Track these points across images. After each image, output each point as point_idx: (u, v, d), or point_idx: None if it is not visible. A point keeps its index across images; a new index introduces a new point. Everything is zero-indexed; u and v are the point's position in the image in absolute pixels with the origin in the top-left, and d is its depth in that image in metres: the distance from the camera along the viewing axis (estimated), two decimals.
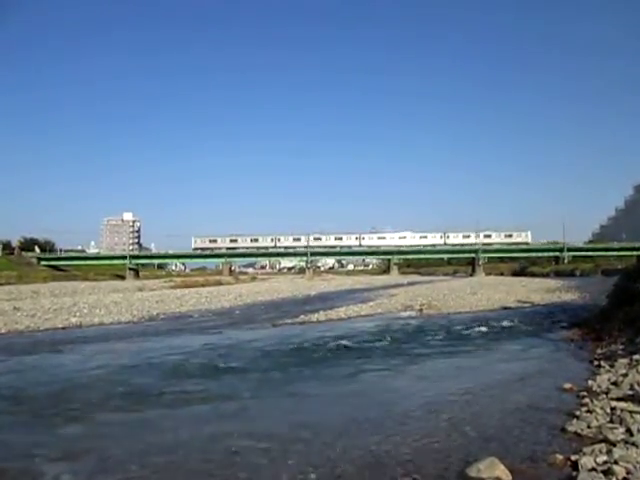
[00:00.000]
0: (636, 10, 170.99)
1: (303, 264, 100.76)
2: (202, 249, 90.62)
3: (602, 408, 5.75)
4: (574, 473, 4.15)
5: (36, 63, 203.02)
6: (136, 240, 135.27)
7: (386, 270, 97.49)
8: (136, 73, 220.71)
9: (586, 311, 16.65)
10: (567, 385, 7.23)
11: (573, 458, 4.42)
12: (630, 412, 5.43)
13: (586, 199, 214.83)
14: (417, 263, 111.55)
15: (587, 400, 6.22)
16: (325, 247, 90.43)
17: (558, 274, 68.93)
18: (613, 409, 5.66)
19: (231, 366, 9.72)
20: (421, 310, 20.32)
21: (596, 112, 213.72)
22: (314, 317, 18.47)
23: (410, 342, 12.30)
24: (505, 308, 20.97)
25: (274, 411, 6.76)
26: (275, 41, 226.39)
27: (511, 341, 12.32)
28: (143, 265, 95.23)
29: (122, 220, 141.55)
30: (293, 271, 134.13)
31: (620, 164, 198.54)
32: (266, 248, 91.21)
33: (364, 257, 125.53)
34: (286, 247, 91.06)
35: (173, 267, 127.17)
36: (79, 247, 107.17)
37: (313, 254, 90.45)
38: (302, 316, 18.69)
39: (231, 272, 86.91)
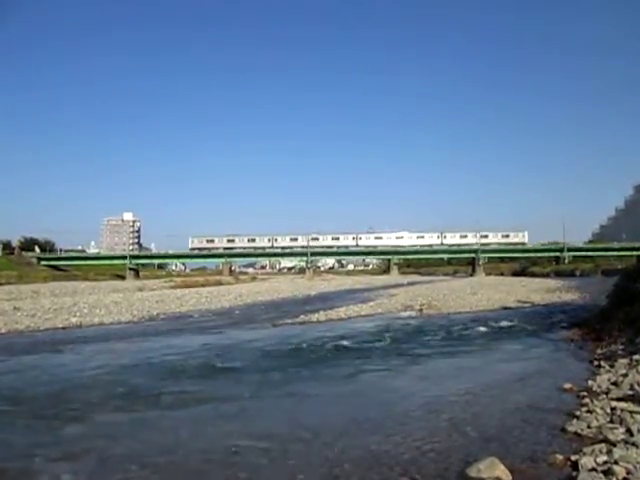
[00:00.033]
0: (636, 10, 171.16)
1: (303, 264, 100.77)
2: (199, 249, 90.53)
3: (602, 408, 5.75)
4: (574, 473, 4.15)
5: (36, 63, 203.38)
6: (136, 240, 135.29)
7: (386, 270, 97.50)
8: (136, 73, 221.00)
9: (586, 311, 16.65)
10: (567, 385, 7.23)
11: (573, 458, 4.42)
12: (630, 412, 5.43)
13: (586, 199, 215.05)
14: (417, 263, 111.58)
15: (587, 400, 6.22)
16: (323, 247, 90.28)
17: (558, 274, 68.93)
18: (613, 409, 5.66)
19: (231, 366, 9.72)
20: (421, 310, 20.32)
21: (596, 112, 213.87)
22: (314, 317, 18.47)
23: (410, 342, 12.30)
24: (505, 308, 20.97)
25: (274, 411, 6.76)
26: (275, 41, 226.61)
27: (511, 341, 12.32)
28: (143, 265, 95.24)
29: (122, 220, 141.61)
30: (293, 271, 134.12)
31: (620, 164, 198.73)
32: (263, 248, 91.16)
33: (364, 257, 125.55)
34: (283, 247, 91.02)
35: (173, 267, 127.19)
36: (79, 247, 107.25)
37: (313, 254, 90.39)
38: (302, 316, 18.69)
39: (231, 272, 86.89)
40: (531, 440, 5.17)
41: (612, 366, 7.91)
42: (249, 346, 12.28)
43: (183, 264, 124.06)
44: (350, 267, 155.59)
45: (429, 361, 10.10)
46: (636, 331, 9.80)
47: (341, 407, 6.95)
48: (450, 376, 8.72)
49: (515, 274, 76.67)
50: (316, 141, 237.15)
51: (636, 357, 7.91)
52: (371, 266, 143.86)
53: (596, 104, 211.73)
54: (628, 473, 3.97)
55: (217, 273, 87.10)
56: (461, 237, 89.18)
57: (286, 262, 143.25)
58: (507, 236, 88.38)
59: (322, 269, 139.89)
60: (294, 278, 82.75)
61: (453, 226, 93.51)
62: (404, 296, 28.89)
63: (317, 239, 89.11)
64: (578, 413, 5.75)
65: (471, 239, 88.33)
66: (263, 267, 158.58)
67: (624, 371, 7.38)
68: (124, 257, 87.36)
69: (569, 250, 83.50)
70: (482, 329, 14.34)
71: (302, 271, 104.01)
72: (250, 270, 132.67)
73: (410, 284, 49.81)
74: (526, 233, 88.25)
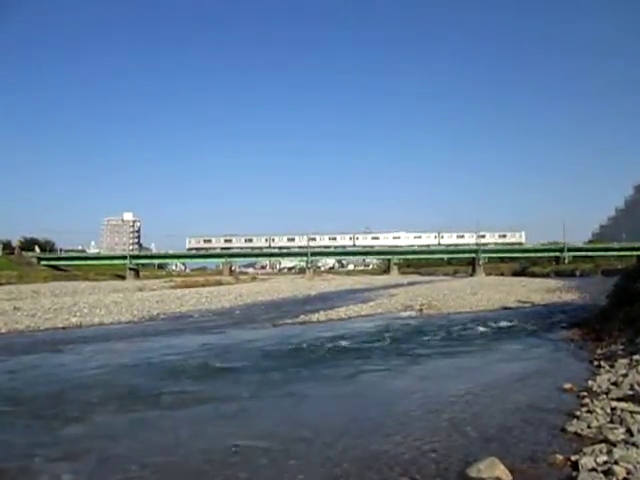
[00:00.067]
0: (636, 10, 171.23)
1: (303, 264, 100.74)
2: (197, 249, 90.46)
3: (602, 408, 5.75)
4: (574, 473, 4.15)
5: (36, 63, 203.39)
6: (136, 240, 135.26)
7: (386, 270, 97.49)
8: (136, 73, 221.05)
9: (586, 311, 16.66)
10: (567, 385, 7.23)
11: (573, 458, 4.42)
12: (630, 412, 5.43)
13: (586, 199, 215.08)
14: (417, 263, 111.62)
15: (587, 400, 6.22)
16: (320, 247, 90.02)
17: (558, 274, 68.94)
18: (613, 409, 5.66)
19: (231, 366, 9.72)
20: (421, 310, 20.32)
21: (596, 112, 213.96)
22: (314, 317, 18.47)
23: (410, 342, 12.30)
24: (505, 308, 20.97)
25: (274, 411, 6.76)
26: (275, 41, 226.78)
27: (511, 341, 12.32)
28: (143, 265, 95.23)
29: (122, 220, 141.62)
30: (293, 271, 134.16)
31: (620, 164, 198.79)
32: (260, 248, 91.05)
33: (364, 257, 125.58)
34: (280, 247, 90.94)
35: (173, 267, 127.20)
36: (79, 247, 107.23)
37: (312, 254, 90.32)
38: (302, 316, 18.69)
39: (231, 272, 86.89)
40: (531, 440, 5.17)
41: (612, 366, 7.90)
42: (249, 346, 12.28)
43: (183, 264, 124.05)
44: (350, 267, 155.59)
45: (429, 361, 10.10)
46: (636, 331, 9.80)
47: (341, 407, 6.95)
48: (450, 376, 8.72)
49: (515, 274, 76.68)
50: (316, 141, 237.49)
51: (636, 357, 7.91)
52: (371, 266, 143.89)
53: (596, 104, 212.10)
54: (628, 473, 3.97)
55: (217, 273, 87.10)
56: (458, 237, 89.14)
57: (286, 262, 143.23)
58: (504, 236, 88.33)
59: (322, 269, 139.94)
60: (294, 278, 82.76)
61: (454, 226, 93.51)
62: (404, 296, 28.89)
63: (314, 239, 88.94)
64: (578, 413, 5.75)
65: (468, 239, 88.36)
66: (263, 267, 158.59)
67: (624, 371, 7.38)
68: (124, 257, 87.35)
69: (569, 250, 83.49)
70: (482, 329, 14.35)
71: (302, 271, 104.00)
72: (250, 270, 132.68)
73: (410, 284, 49.82)
74: (523, 233, 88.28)
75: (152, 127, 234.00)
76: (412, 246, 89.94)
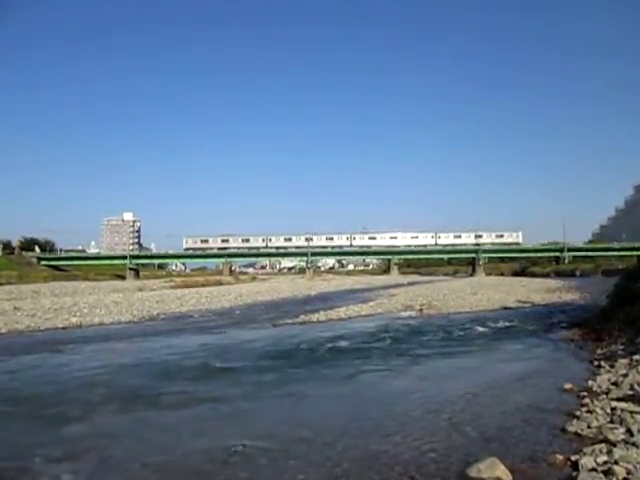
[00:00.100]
0: (636, 10, 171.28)
1: (303, 264, 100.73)
2: (194, 249, 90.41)
3: (602, 408, 5.75)
4: (574, 473, 4.15)
5: (36, 63, 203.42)
6: (136, 240, 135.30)
7: (386, 270, 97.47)
8: (136, 73, 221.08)
9: (586, 311, 16.65)
10: (567, 385, 7.23)
11: (573, 458, 4.43)
12: (630, 412, 5.43)
13: (586, 199, 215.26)
14: (417, 263, 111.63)
15: (587, 400, 6.22)
16: (319, 247, 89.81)
17: (558, 274, 68.93)
18: (613, 409, 5.66)
19: (231, 366, 9.72)
20: (421, 310, 20.32)
21: (596, 112, 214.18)
22: (314, 317, 18.47)
23: (410, 342, 12.30)
24: (505, 308, 20.97)
25: (274, 411, 6.77)
26: (275, 41, 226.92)
27: (511, 341, 12.31)
28: (143, 265, 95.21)
29: (122, 220, 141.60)
30: (293, 271, 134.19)
31: (620, 164, 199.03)
32: (258, 248, 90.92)
33: (364, 257, 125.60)
34: (278, 247, 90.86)
35: (173, 267, 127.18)
36: (79, 247, 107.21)
37: (313, 254, 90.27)
38: (302, 316, 18.69)
39: (231, 272, 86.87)
40: (531, 440, 5.18)
41: (612, 366, 7.90)
42: (249, 346, 12.28)
43: (183, 264, 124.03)
44: (350, 267, 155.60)
45: (429, 361, 10.10)
46: (636, 331, 9.80)
47: (341, 407, 6.95)
48: (450, 376, 8.72)
49: (515, 274, 76.67)
50: (316, 141, 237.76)
51: (636, 357, 7.91)
52: (371, 266, 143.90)
53: (596, 104, 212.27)
54: (628, 473, 3.98)
55: (217, 273, 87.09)
56: (455, 237, 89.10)
57: (286, 262, 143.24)
58: (501, 236, 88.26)
59: (322, 269, 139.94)
60: (294, 278, 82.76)
61: (454, 226, 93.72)
62: (404, 296, 28.89)
63: (311, 239, 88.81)
64: (578, 413, 5.75)
65: (465, 239, 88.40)
66: (263, 267, 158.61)
67: (624, 371, 7.38)
68: (124, 257, 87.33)
69: (569, 250, 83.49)
70: (482, 329, 14.35)
71: (302, 271, 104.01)
72: (250, 270, 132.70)
73: (410, 284, 49.82)
74: (520, 233, 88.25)
75: (152, 127, 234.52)
76: (409, 246, 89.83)
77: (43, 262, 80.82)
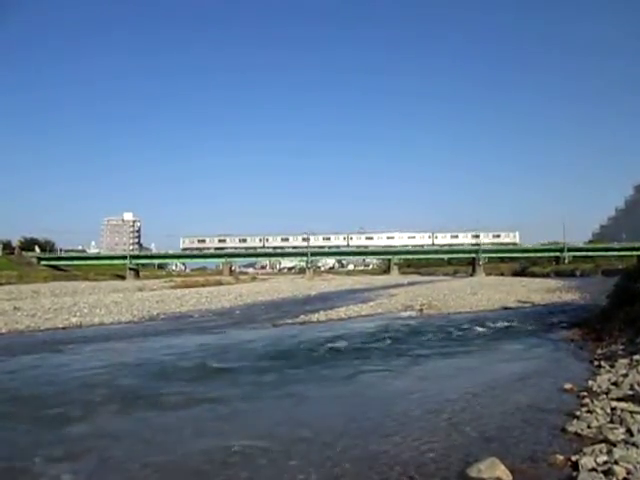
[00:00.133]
0: (636, 10, 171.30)
1: (303, 264, 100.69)
2: (191, 249, 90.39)
3: (602, 408, 5.75)
4: (574, 473, 4.15)
5: (36, 63, 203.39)
6: (136, 240, 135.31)
7: (386, 270, 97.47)
8: (136, 73, 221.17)
9: (586, 311, 16.65)
10: (567, 385, 7.23)
11: (573, 458, 4.43)
12: (630, 412, 5.43)
13: (586, 199, 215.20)
14: (417, 263, 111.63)
15: (587, 400, 6.22)
16: (316, 247, 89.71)
17: (558, 274, 68.92)
18: (613, 409, 5.66)
19: (231, 366, 9.72)
20: (421, 310, 20.32)
21: (596, 112, 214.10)
22: (314, 317, 18.47)
23: (410, 342, 12.30)
24: (505, 308, 20.97)
25: (274, 411, 6.76)
26: (275, 41, 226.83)
27: (511, 341, 12.31)
28: (143, 265, 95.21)
29: (122, 220, 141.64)
30: (293, 271, 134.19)
31: (620, 164, 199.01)
32: (254, 248, 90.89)
33: (363, 257, 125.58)
34: (275, 247, 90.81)
35: (173, 267, 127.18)
36: (79, 247, 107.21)
37: (312, 254, 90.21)
38: (302, 316, 18.69)
39: (231, 272, 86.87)
40: (531, 440, 5.18)
41: (612, 366, 7.90)
42: (249, 346, 12.28)
43: (183, 264, 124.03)
44: (350, 267, 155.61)
45: (429, 361, 10.10)
46: (636, 331, 9.80)
47: (341, 407, 6.95)
48: (450, 376, 8.72)
49: (515, 274, 76.67)
50: (316, 141, 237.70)
51: (636, 357, 7.91)
52: (371, 266, 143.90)
53: (596, 104, 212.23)
54: (628, 473, 3.98)
55: (217, 273, 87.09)
56: (452, 237, 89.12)
57: (286, 262, 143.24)
58: (498, 236, 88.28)
59: (322, 269, 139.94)
60: (294, 278, 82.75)
61: (454, 226, 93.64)
62: (404, 296, 28.89)
63: (308, 239, 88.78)
64: (578, 413, 5.75)
65: (462, 239, 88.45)
66: (263, 267, 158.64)
67: (624, 371, 7.38)
68: (124, 257, 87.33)
69: (569, 250, 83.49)
70: (482, 329, 14.35)
71: (302, 271, 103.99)
72: (250, 270, 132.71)
73: (410, 284, 49.82)
74: (517, 233, 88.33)
75: (152, 127, 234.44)
76: (406, 246, 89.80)
77: (43, 262, 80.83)
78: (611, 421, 5.32)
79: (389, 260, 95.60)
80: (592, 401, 6.13)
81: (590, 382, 7.20)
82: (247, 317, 20.04)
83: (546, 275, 69.47)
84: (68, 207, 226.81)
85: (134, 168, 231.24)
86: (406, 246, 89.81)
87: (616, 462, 4.14)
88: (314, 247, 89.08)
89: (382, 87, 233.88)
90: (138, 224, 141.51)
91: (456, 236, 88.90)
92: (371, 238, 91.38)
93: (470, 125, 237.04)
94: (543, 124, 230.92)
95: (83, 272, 76.55)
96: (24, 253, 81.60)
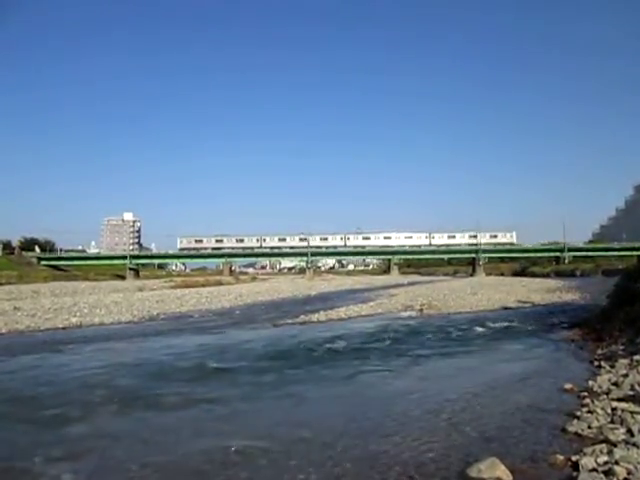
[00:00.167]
0: (636, 10, 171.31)
1: (303, 264, 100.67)
2: (188, 249, 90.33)
3: (603, 408, 5.74)
4: (575, 473, 4.14)
5: (36, 63, 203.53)
6: (136, 240, 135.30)
7: (386, 270, 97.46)
8: (136, 73, 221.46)
9: (586, 311, 16.64)
10: (568, 385, 7.22)
11: (574, 458, 4.42)
12: (631, 412, 5.43)
13: (586, 199, 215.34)
14: (417, 263, 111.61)
15: (588, 400, 6.21)
16: (314, 247, 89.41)
17: (558, 274, 68.90)
18: (614, 409, 5.65)
19: (231, 367, 9.71)
20: (421, 310, 20.31)
21: (596, 112, 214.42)
22: (314, 317, 18.46)
23: (410, 342, 12.29)
24: (505, 308, 20.96)
25: (274, 411, 6.76)
26: (275, 41, 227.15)
27: (511, 341, 12.31)
28: (143, 265, 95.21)
29: (122, 220, 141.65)
30: (293, 271, 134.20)
31: (620, 164, 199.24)
32: (252, 248, 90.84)
33: (363, 257, 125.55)
34: (272, 247, 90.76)
35: (173, 267, 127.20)
36: (79, 247, 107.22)
37: (311, 254, 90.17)
38: (302, 316, 18.68)
39: (231, 272, 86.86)
40: (532, 440, 5.17)
41: (613, 366, 7.90)
42: (249, 346, 12.27)
43: (183, 264, 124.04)
44: (350, 267, 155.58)
45: (429, 361, 10.09)
46: (637, 331, 9.79)
47: (341, 407, 6.94)
48: (450, 376, 8.71)
49: (515, 274, 76.65)
50: (316, 141, 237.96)
51: (637, 357, 7.90)
52: (371, 266, 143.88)
53: (596, 104, 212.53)
54: (629, 473, 3.97)
55: (217, 273, 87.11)
56: (449, 237, 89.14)
57: (286, 262, 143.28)
58: (495, 236, 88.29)
59: (322, 269, 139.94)
60: (294, 278, 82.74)
61: (454, 226, 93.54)
62: (404, 296, 28.89)
63: (305, 239, 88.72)
64: (579, 413, 5.75)
65: (459, 239, 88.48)
66: (263, 267, 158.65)
67: (625, 371, 7.37)
68: (124, 257, 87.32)
69: (569, 250, 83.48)
70: (482, 329, 14.34)
71: (302, 271, 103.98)
72: (250, 270, 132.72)
73: (410, 284, 49.81)
74: (514, 233, 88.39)
75: (152, 127, 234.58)
76: (403, 246, 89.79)
77: (43, 262, 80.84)
78: (611, 421, 5.32)
79: (389, 260, 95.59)
80: (592, 401, 6.13)
81: (590, 382, 7.19)
82: (247, 317, 20.04)
83: (546, 275, 69.44)
84: (68, 207, 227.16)
85: (134, 168, 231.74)
86: (403, 246, 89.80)
87: (617, 462, 4.14)
88: (312, 247, 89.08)
89: (382, 87, 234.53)
90: (138, 224, 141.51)
91: (453, 236, 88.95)
92: (368, 238, 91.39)
93: (470, 125, 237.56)
94: (543, 124, 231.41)
95: (83, 272, 76.54)
96: (24, 253, 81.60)
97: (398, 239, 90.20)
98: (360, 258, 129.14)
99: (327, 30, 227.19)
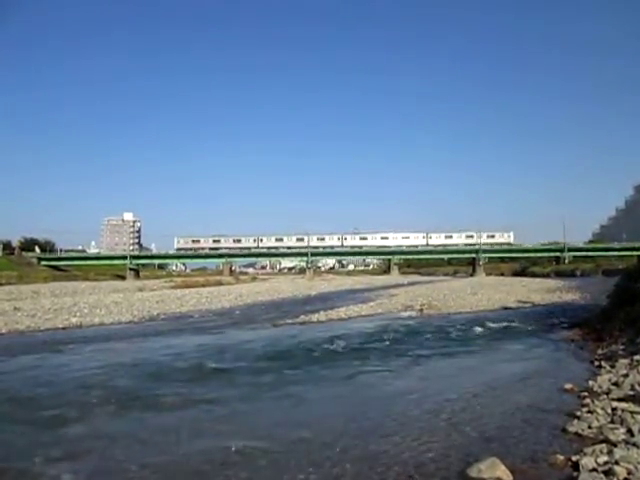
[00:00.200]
0: (636, 10, 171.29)
1: (304, 264, 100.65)
2: (185, 249, 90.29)
3: (603, 408, 5.74)
4: (575, 473, 4.14)
5: (36, 63, 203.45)
6: (136, 240, 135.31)
7: (386, 270, 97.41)
8: (136, 73, 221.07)
9: (587, 311, 16.64)
10: (568, 385, 7.22)
11: (574, 458, 4.42)
12: (631, 412, 5.42)
13: (586, 199, 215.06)
14: (417, 263, 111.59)
15: (588, 400, 6.21)
16: (311, 247, 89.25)
17: (559, 274, 68.86)
18: (614, 409, 5.65)
19: (231, 367, 9.71)
20: (421, 310, 20.31)
21: (596, 112, 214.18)
22: (314, 317, 18.46)
23: (410, 342, 12.29)
24: (505, 308, 20.96)
25: (274, 412, 6.76)
26: (275, 41, 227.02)
27: (511, 341, 12.30)
28: (143, 265, 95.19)
29: (122, 220, 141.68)
30: (294, 271, 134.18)
31: (620, 164, 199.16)
32: (249, 248, 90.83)
33: (364, 257, 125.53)
34: (269, 247, 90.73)
35: (173, 267, 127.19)
36: (79, 247, 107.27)
37: (311, 254, 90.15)
38: (302, 316, 18.68)
39: (231, 272, 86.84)
40: (532, 440, 5.17)
41: (613, 366, 7.90)
42: (249, 347, 12.26)
43: (183, 264, 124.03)
44: (350, 267, 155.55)
45: (429, 361, 10.09)
46: (637, 331, 9.78)
47: (341, 407, 6.94)
48: (450, 376, 8.71)
49: (515, 274, 76.61)
50: (316, 141, 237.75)
51: (637, 357, 7.90)
52: (371, 266, 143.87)
53: (596, 104, 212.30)
54: (629, 473, 3.97)
55: (217, 273, 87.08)
56: (446, 237, 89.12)
57: (286, 262, 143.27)
58: (493, 236, 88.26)
59: (322, 269, 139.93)
60: (294, 278, 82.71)
61: (453, 226, 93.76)
62: (404, 296, 28.88)
63: (302, 239, 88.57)
64: (579, 413, 5.74)
65: (456, 239, 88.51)
66: (263, 267, 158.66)
67: (625, 371, 7.37)
68: (124, 257, 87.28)
69: (569, 250, 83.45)
70: (482, 329, 14.33)
71: (302, 271, 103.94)
72: (250, 270, 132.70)
73: (410, 284, 49.80)
74: (512, 233, 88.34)
75: (152, 127, 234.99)
76: (400, 246, 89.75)
77: (43, 262, 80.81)
78: (612, 421, 5.32)
79: (389, 260, 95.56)
80: (593, 401, 6.13)
81: (591, 382, 7.19)
82: (247, 317, 20.03)
83: (546, 275, 69.41)
84: (68, 207, 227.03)
85: (134, 168, 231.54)
86: (401, 246, 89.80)
87: (617, 462, 4.14)
88: (310, 247, 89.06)
89: (382, 87, 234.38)
90: (138, 224, 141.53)
91: (450, 236, 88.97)
92: (365, 238, 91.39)
93: (470, 125, 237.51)
94: (543, 124, 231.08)
95: (83, 272, 76.54)
96: (24, 253, 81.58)
97: (395, 239, 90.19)
98: (360, 258, 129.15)
99: (327, 30, 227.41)
